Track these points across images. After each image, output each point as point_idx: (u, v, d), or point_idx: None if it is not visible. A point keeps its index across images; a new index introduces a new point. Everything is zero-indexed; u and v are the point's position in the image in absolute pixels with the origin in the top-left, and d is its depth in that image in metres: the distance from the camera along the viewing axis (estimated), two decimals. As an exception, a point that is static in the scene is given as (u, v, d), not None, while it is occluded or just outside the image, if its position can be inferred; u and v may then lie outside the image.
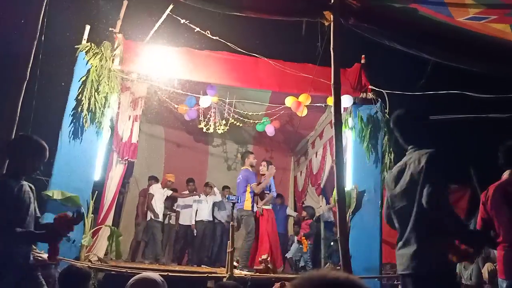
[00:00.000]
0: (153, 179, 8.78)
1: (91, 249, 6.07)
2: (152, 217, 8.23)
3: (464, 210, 9.96)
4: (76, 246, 5.68)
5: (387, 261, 8.14)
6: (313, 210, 8.85)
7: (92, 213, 5.94)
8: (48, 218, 5.61)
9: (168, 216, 8.93)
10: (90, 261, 5.75)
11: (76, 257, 5.60)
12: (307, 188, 9.68)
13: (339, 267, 5.68)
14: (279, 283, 3.34)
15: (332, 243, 8.23)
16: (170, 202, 9.05)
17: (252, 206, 7.07)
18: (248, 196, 7.03)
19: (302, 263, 8.45)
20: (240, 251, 6.87)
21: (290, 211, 9.97)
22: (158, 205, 8.37)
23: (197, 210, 8.74)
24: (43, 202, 5.79)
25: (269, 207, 7.27)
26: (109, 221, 6.81)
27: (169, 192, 8.69)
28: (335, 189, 4.45)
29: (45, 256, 3.90)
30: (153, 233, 8.20)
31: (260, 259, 6.63)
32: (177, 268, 7.16)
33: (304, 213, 8.89)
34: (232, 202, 6.65)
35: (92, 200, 5.99)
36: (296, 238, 8.86)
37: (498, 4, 4.43)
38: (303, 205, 9.64)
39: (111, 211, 6.93)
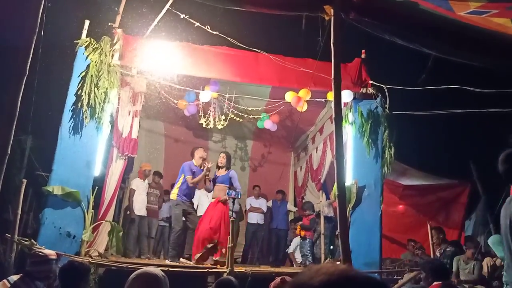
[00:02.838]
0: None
1: (92, 245, 6.08)
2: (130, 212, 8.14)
3: (464, 205, 9.97)
4: (77, 242, 5.68)
5: (387, 256, 8.17)
6: (312, 205, 8.87)
7: (92, 209, 5.93)
8: (48, 213, 5.63)
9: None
10: (90, 256, 5.75)
11: (77, 253, 5.61)
12: (307, 183, 9.69)
13: (339, 262, 5.69)
14: (280, 278, 3.34)
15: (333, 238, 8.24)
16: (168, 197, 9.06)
17: (188, 198, 7.19)
18: (176, 186, 7.15)
19: (299, 259, 8.44)
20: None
21: (290, 206, 9.99)
22: (140, 199, 8.23)
23: (197, 205, 8.72)
24: (43, 198, 5.80)
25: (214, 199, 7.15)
26: (110, 216, 6.80)
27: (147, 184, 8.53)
28: (335, 184, 4.45)
29: (46, 251, 3.90)
30: (131, 228, 8.09)
31: (204, 248, 6.56)
32: (178, 263, 7.17)
33: (306, 212, 8.87)
34: (232, 198, 6.66)
35: (92, 195, 5.99)
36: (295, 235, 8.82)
37: (499, -2, 4.42)
38: (303, 201, 9.65)
39: (112, 206, 6.93)
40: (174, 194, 7.17)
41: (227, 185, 7.22)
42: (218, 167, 7.43)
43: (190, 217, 7.25)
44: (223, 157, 7.43)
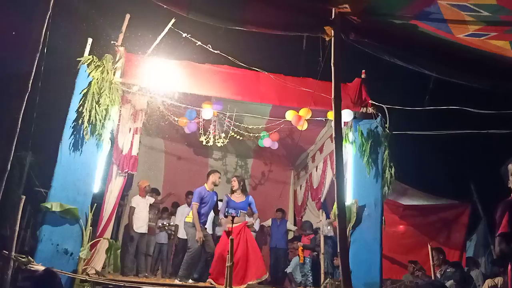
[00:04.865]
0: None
1: (89, 262, 6.00)
2: (131, 228, 8.05)
3: (465, 226, 9.90)
4: (74, 259, 5.62)
5: (388, 277, 8.07)
6: (311, 224, 8.81)
7: (90, 226, 5.88)
8: (46, 230, 5.58)
9: (165, 228, 8.84)
10: (87, 274, 5.68)
11: (74, 270, 5.55)
12: (306, 202, 9.65)
13: (338, 283, 5.63)
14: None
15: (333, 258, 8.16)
16: (168, 215, 9.05)
17: (203, 223, 6.99)
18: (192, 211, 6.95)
19: (299, 279, 8.34)
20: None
21: (290, 225, 9.90)
22: (141, 216, 8.11)
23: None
24: (41, 214, 5.76)
25: (236, 224, 6.63)
26: (108, 234, 6.75)
27: (152, 200, 8.47)
28: (335, 203, 4.43)
29: (40, 268, 3.85)
30: (129, 246, 7.96)
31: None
32: (176, 282, 7.07)
33: (306, 231, 8.79)
34: (232, 216, 6.58)
35: (91, 212, 5.94)
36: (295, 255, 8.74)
37: (498, 21, 4.47)
38: (302, 220, 9.58)
39: (110, 224, 6.88)
40: (190, 218, 6.95)
41: (245, 212, 7.05)
42: (232, 192, 7.11)
43: (206, 240, 6.97)
44: (234, 180, 7.20)
